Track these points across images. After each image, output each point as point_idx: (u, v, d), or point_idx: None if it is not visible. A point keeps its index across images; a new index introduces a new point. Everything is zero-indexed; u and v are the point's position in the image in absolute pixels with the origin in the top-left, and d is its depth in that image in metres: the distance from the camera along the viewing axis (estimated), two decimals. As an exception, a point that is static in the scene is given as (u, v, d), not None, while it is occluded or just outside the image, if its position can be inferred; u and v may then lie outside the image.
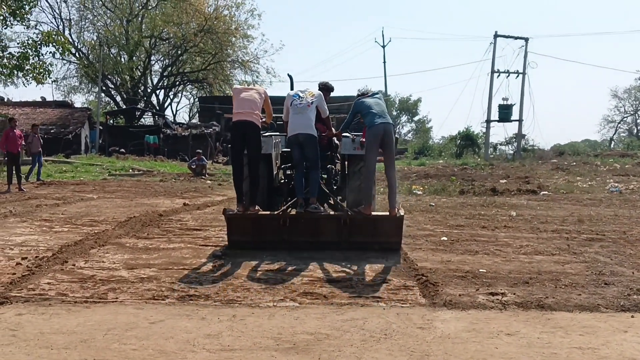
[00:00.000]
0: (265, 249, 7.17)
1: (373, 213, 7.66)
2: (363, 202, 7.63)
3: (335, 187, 8.97)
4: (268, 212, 7.67)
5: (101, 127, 42.16)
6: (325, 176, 8.84)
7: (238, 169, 7.78)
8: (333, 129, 8.49)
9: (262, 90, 7.88)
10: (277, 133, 8.93)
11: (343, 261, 6.63)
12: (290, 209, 7.84)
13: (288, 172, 9.08)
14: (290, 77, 9.50)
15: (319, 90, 8.17)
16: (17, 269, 6.01)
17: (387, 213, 7.56)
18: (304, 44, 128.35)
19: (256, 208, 7.59)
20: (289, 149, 8.10)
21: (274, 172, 8.84)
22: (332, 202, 8.66)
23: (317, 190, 7.66)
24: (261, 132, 7.92)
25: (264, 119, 7.97)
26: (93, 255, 6.84)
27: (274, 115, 8.32)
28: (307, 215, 7.39)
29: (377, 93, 8.19)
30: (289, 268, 6.27)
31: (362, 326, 4.34)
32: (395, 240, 7.42)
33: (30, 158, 19.40)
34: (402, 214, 7.44)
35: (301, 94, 7.68)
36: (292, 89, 8.78)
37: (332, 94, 8.77)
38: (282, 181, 9.15)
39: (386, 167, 7.80)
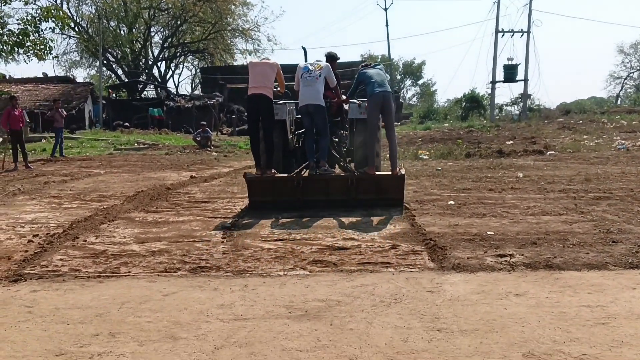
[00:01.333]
0: (280, 211, 7.80)
1: (377, 173, 8.43)
2: (368, 163, 8.46)
3: (345, 150, 9.59)
4: (284, 175, 8.53)
5: (104, 102, 42.09)
6: (337, 140, 9.54)
7: (255, 137, 8.61)
8: (343, 96, 9.20)
9: (275, 63, 8.55)
10: (291, 101, 9.53)
11: (351, 229, 6.68)
12: (303, 171, 8.56)
13: (302, 137, 9.65)
14: (304, 49, 9.92)
15: (326, 61, 8.87)
16: (29, 246, 6.08)
17: (390, 172, 8.40)
18: (304, 9, 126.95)
19: (272, 171, 8.45)
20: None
21: (289, 137, 9.44)
22: (342, 164, 9.32)
23: (326, 154, 8.47)
24: (275, 100, 8.73)
25: (277, 89, 8.81)
26: (103, 230, 6.90)
27: (286, 83, 9.02)
28: (319, 177, 8.24)
29: (378, 64, 9.29)
30: (298, 237, 6.32)
31: (372, 292, 4.39)
32: (397, 197, 8.18)
33: (54, 134, 19.77)
34: (402, 172, 8.29)
35: (310, 67, 8.43)
36: (305, 60, 9.26)
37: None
38: (296, 146, 9.75)
39: (387, 131, 8.75)
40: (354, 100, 9.10)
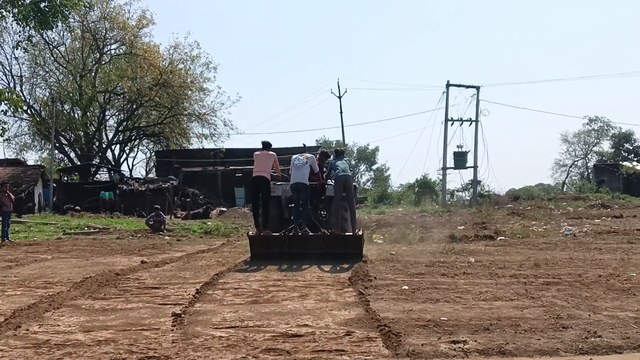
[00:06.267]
0: (271, 261, 11.18)
1: (343, 234, 11.84)
2: (335, 226, 12.04)
3: (324, 219, 13.15)
4: (275, 234, 12.01)
5: (55, 185, 41.39)
6: (320, 212, 13.27)
7: (256, 206, 12.55)
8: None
9: (273, 154, 12.62)
10: (287, 182, 12.79)
11: (305, 314, 6.60)
12: (290, 232, 11.95)
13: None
14: (304, 145, 14.75)
15: (319, 156, 13.27)
16: (-33, 336, 5.77)
17: (351, 233, 12.07)
18: (261, 95, 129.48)
19: (267, 231, 12.16)
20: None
21: (284, 209, 13.21)
22: (322, 229, 12.37)
23: (307, 219, 12.07)
24: (273, 182, 12.68)
25: (276, 174, 12.81)
26: (47, 318, 6.62)
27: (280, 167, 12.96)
28: (300, 236, 11.78)
29: (345, 156, 13.28)
30: (251, 324, 6.19)
31: (326, 381, 4.29)
32: (357, 251, 11.69)
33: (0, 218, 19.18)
34: (360, 233, 12.13)
35: (300, 157, 12.25)
36: (305, 152, 13.08)
37: (291, 146, 14.40)
38: (289, 216, 13.00)
39: (348, 204, 12.44)
40: (331, 183, 12.56)
